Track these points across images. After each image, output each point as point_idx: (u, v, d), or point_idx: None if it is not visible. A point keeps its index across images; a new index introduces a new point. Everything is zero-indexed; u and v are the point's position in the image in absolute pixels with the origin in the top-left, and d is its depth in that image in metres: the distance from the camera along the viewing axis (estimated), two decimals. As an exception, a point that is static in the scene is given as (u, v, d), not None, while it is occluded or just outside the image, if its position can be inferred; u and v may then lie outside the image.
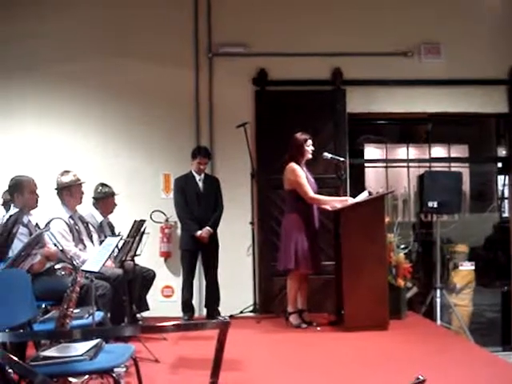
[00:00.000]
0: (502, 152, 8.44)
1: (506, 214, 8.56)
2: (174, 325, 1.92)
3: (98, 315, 4.34)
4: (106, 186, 6.49)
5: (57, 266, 5.14)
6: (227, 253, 6.85)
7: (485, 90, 7.50)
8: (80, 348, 3.07)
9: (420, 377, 2.23)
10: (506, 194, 8.30)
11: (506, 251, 7.67)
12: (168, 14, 7.26)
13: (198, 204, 6.65)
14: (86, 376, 3.49)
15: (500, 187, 8.86)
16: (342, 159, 6.53)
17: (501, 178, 8.71)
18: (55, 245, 3.90)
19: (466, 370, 4.60)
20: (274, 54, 7.28)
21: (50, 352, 3.09)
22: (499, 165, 8.76)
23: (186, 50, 7.32)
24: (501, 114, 7.69)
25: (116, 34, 7.23)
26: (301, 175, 6.10)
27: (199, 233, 6.55)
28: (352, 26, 7.33)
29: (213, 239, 6.68)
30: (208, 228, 6.57)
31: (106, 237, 5.85)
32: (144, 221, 5.65)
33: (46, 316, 4.30)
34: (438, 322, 6.98)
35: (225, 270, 6.80)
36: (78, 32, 7.21)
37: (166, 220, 7.17)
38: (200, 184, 6.71)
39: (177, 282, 7.05)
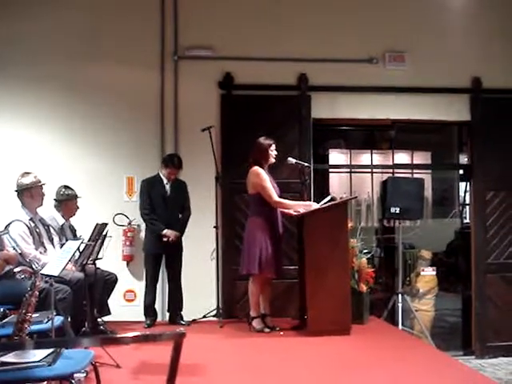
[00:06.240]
0: (463, 159, 8.57)
1: (467, 220, 8.70)
2: (132, 336, 1.95)
3: (58, 320, 4.27)
4: (68, 188, 6.39)
5: (16, 270, 5.04)
6: (191, 257, 6.80)
7: (448, 98, 7.59)
8: (38, 353, 3.02)
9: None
10: (467, 200, 8.42)
11: (467, 257, 7.77)
12: (135, 17, 7.19)
13: (164, 207, 6.62)
14: (45, 382, 3.42)
15: (461, 194, 9.00)
16: (306, 164, 6.56)
17: (462, 185, 8.85)
18: (14, 248, 3.83)
19: (428, 374, 4.65)
20: (240, 59, 7.27)
21: (8, 358, 3.02)
22: (461, 172, 8.90)
23: (152, 53, 7.26)
24: (463, 122, 7.80)
25: (82, 37, 7.12)
26: (265, 179, 6.10)
27: (166, 231, 6.51)
28: (318, 32, 7.36)
29: (177, 243, 6.64)
30: (176, 233, 6.55)
31: (67, 240, 5.78)
32: (106, 224, 5.57)
33: (5, 320, 4.22)
34: (400, 326, 7.04)
35: (188, 274, 6.76)
36: (45, 35, 7.09)
37: (129, 223, 7.10)
38: (167, 187, 6.67)
39: (139, 286, 6.98)
